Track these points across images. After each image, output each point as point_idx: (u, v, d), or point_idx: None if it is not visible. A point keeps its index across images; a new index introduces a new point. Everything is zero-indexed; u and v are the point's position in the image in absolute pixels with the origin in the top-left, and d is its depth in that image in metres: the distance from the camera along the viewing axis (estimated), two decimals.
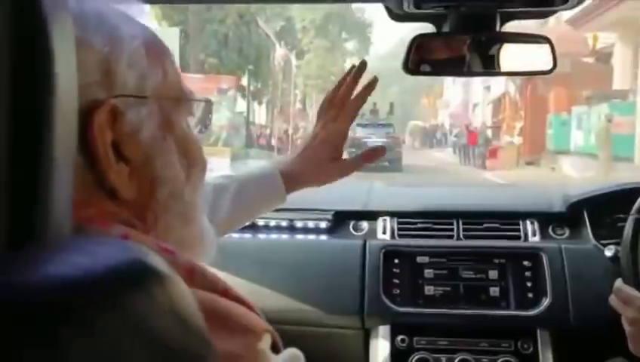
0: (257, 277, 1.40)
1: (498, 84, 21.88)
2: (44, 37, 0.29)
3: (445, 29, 1.15)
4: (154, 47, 0.51)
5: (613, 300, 1.07)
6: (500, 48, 1.14)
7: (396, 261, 1.38)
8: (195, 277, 0.44)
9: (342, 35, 36.34)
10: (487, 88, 24.37)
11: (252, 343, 0.41)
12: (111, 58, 0.46)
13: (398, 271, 1.37)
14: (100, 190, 0.45)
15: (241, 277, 1.40)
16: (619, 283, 1.09)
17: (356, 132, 17.87)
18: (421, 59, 1.11)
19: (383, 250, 1.38)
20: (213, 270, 0.46)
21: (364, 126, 19.00)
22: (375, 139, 17.07)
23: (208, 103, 0.57)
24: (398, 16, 1.15)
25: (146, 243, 0.43)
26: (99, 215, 0.43)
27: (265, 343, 0.43)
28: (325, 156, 0.95)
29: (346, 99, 0.96)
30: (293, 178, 0.95)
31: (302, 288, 1.38)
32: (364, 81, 0.98)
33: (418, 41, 1.10)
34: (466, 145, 19.40)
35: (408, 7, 1.02)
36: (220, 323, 0.39)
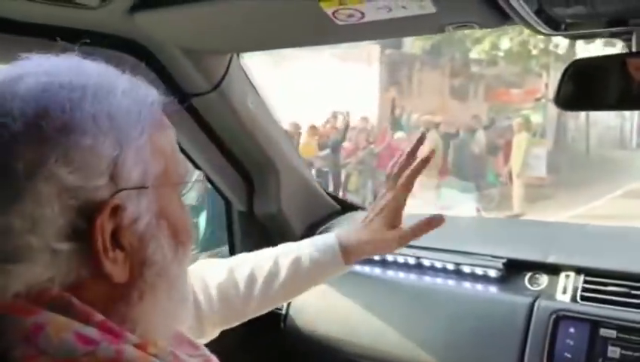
0: (413, 319, 1.31)
1: None
2: None
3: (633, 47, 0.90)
4: (158, 136, 0.51)
5: None
6: None
7: (571, 330, 1.12)
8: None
9: None
10: None
11: None
12: (118, 161, 0.47)
13: (571, 343, 1.11)
14: (90, 274, 0.47)
15: (396, 316, 1.32)
16: None
17: None
18: (578, 89, 0.89)
19: (554, 315, 1.14)
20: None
21: None
22: None
23: (202, 182, 0.58)
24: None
25: (64, 332, 0.44)
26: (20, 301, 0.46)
27: None
28: (387, 224, 1.00)
29: (405, 169, 1.00)
30: (351, 250, 1.00)
31: (455, 341, 1.23)
32: None
33: (574, 67, 0.88)
34: None
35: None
36: None
